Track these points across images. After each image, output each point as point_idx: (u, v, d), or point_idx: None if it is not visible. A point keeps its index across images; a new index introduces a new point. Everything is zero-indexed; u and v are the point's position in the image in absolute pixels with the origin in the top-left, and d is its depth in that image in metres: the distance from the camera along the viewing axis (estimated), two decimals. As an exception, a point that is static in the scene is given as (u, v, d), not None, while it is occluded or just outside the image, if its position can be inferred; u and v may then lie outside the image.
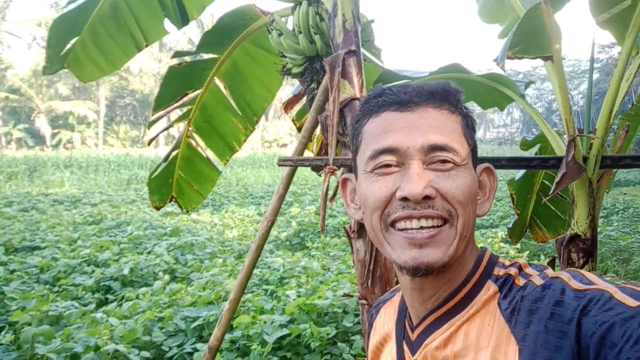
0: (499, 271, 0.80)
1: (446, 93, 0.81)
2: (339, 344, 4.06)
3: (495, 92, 2.09)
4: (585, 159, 1.50)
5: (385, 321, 0.98)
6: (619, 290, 0.64)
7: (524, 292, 0.73)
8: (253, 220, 10.93)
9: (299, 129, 2.87)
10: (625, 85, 1.45)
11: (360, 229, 1.41)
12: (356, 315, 4.44)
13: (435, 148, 0.76)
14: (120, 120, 49.97)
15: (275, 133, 43.63)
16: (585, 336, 0.62)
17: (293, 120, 2.88)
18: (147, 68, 46.50)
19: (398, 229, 0.76)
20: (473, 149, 0.82)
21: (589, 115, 1.54)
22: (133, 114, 50.74)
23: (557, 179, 1.42)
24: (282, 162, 1.62)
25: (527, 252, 7.32)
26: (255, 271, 6.22)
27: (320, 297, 4.66)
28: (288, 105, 2.85)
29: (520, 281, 0.76)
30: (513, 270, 0.78)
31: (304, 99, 2.88)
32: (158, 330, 4.32)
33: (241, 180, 19.25)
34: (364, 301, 1.41)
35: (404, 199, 0.74)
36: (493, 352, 0.72)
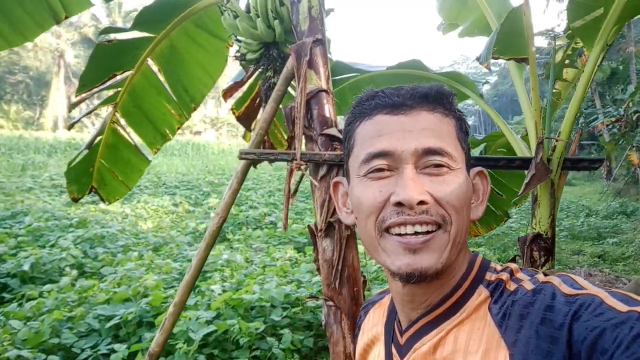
0: (490, 276, 0.80)
1: (440, 96, 0.79)
2: (268, 338, 3.99)
3: (448, 90, 2.12)
4: (548, 161, 1.58)
5: (373, 323, 0.96)
6: (609, 295, 0.65)
7: (515, 297, 0.73)
8: (168, 211, 10.44)
9: (238, 118, 2.74)
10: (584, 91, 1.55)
11: (329, 227, 1.35)
12: (284, 309, 4.39)
13: (429, 152, 0.74)
14: (10, 99, 45.10)
15: (189, 120, 41.99)
16: (577, 342, 0.62)
17: (232, 109, 2.73)
18: (44, 43, 42.40)
19: (393, 234, 0.74)
20: (466, 152, 0.82)
21: (551, 118, 1.62)
22: (26, 92, 46.05)
23: (526, 180, 1.48)
24: (244, 155, 1.51)
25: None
26: (175, 265, 5.94)
27: (247, 291, 4.55)
28: (227, 93, 2.70)
29: (512, 286, 0.76)
30: (504, 275, 0.78)
31: (245, 87, 2.75)
32: (68, 331, 3.96)
33: (153, 169, 18.27)
34: (330, 303, 1.36)
35: (399, 204, 0.73)
36: (483, 357, 0.71)
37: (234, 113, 2.75)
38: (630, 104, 12.60)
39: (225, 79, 3.11)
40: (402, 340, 0.83)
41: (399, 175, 0.74)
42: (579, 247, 9.06)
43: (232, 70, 3.03)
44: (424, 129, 0.75)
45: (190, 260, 6.19)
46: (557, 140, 1.52)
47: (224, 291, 4.64)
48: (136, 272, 5.35)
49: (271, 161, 1.53)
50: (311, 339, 4.08)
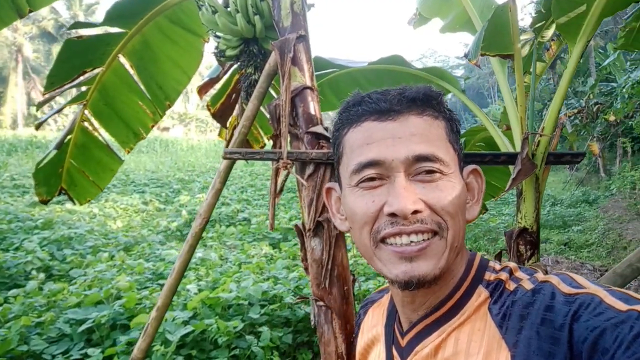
0: (489, 276, 0.80)
1: (428, 98, 0.78)
2: (247, 336, 3.96)
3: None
4: (532, 155, 1.60)
5: (373, 323, 0.96)
6: (608, 293, 0.65)
7: (515, 297, 0.74)
8: (138, 209, 10.19)
9: (213, 115, 2.68)
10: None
11: (317, 226, 1.33)
12: (262, 306, 4.36)
13: (420, 159, 0.74)
14: (-35, 95, 43.10)
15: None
16: (577, 342, 0.63)
17: (208, 106, 2.67)
18: (0, 37, 40.62)
19: (388, 244, 0.74)
20: (459, 153, 0.81)
21: (532, 112, 1.64)
22: (-17, 88, 44.11)
23: (513, 176, 1.49)
24: (229, 155, 1.47)
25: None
26: (148, 265, 5.81)
27: (224, 289, 4.50)
28: (202, 89, 2.64)
29: (511, 286, 0.76)
30: (504, 275, 0.78)
31: (220, 83, 2.69)
32: (37, 338, 3.83)
33: (121, 167, 17.84)
34: (320, 303, 1.34)
35: (392, 214, 0.72)
36: (484, 359, 0.72)
37: (209, 110, 2.69)
38: (591, 96, 13.03)
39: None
40: (403, 342, 0.83)
41: (391, 185, 0.73)
42: (545, 235, 9.33)
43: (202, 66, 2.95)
44: (414, 134, 0.74)
45: (163, 259, 6.08)
46: (541, 136, 1.55)
47: (200, 290, 4.57)
48: (107, 274, 5.21)
49: (256, 160, 1.50)
50: (290, 335, 4.07)
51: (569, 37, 1.57)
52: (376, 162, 0.74)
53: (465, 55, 1.54)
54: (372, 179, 0.74)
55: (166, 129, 40.73)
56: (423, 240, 0.72)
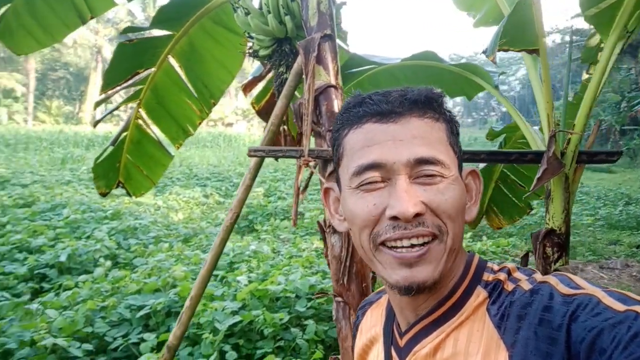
0: (488, 276, 0.79)
1: (429, 100, 0.78)
2: (292, 329, 4.04)
3: (465, 81, 2.10)
4: (562, 154, 1.53)
5: (372, 324, 0.96)
6: (606, 294, 0.65)
7: (513, 298, 0.73)
8: (199, 202, 10.63)
9: (258, 113, 2.76)
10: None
11: (337, 223, 1.36)
12: (308, 300, 4.43)
13: (421, 162, 0.73)
14: (52, 94, 46.76)
15: (220, 112, 42.54)
16: (575, 342, 0.62)
17: (252, 103, 2.76)
18: (83, 39, 43.63)
19: (388, 247, 0.74)
20: (458, 155, 0.80)
21: (565, 109, 1.56)
22: (67, 88, 47.64)
23: (538, 175, 1.43)
24: (253, 152, 1.53)
25: (469, 233, 7.63)
26: (204, 256, 6.05)
27: (272, 282, 4.61)
28: (247, 88, 2.72)
29: (509, 286, 0.76)
30: (502, 276, 0.78)
31: (264, 82, 2.76)
32: (101, 321, 4.10)
33: (185, 161, 18.63)
34: (339, 299, 1.37)
35: (394, 218, 0.72)
36: (483, 359, 0.71)
37: (254, 107, 2.78)
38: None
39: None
40: (401, 342, 0.83)
41: (392, 187, 0.73)
42: (616, 236, 8.73)
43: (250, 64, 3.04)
44: (415, 137, 0.74)
45: (218, 252, 6.31)
46: (571, 134, 1.47)
47: (250, 282, 4.71)
48: (166, 263, 5.48)
49: (279, 157, 1.54)
50: (335, 330, 4.10)
51: (601, 29, 1.47)
52: (377, 165, 0.73)
53: (484, 52, 1.49)
54: (373, 181, 0.74)
55: (230, 124, 42.06)
56: (424, 243, 0.72)
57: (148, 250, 6.47)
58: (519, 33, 1.48)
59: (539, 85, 1.66)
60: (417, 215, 0.71)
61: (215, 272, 5.48)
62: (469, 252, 0.84)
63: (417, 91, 0.78)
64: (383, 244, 0.74)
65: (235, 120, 44.93)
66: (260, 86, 2.72)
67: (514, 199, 2.51)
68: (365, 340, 0.96)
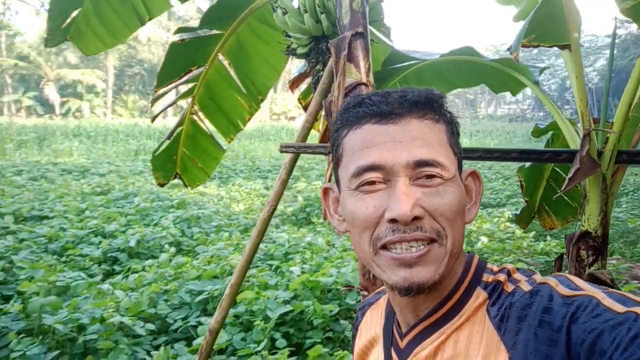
0: (487, 277, 0.79)
1: (429, 101, 0.77)
2: (341, 321, 4.10)
3: (508, 76, 2.02)
4: (600, 153, 1.45)
5: (371, 325, 0.96)
6: (606, 295, 0.64)
7: (513, 299, 0.72)
8: (259, 194, 10.94)
9: (305, 108, 2.81)
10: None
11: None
12: (358, 293, 4.46)
13: (421, 163, 0.73)
14: (128, 89, 49.82)
15: (284, 105, 43.30)
16: (575, 344, 0.62)
17: (299, 99, 2.82)
18: (156, 37, 46.01)
19: (387, 250, 0.74)
20: (458, 157, 0.80)
21: (606, 106, 1.47)
22: (142, 83, 50.53)
23: (570, 175, 1.36)
24: (285, 148, 1.58)
25: (532, 233, 7.29)
26: (261, 246, 6.24)
27: (324, 274, 4.68)
28: (294, 84, 2.79)
29: (509, 287, 0.75)
30: (502, 277, 0.77)
31: (309, 78, 2.81)
32: (163, 303, 4.38)
33: (249, 153, 19.22)
34: (365, 292, 1.39)
35: (393, 220, 0.72)
36: None
37: (300, 103, 2.84)
38: None
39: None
40: (402, 344, 0.83)
41: (392, 189, 0.73)
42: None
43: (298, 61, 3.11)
44: (415, 138, 0.74)
45: (274, 242, 6.49)
46: (608, 132, 1.38)
47: (302, 273, 4.81)
48: (225, 252, 5.72)
49: (308, 153, 1.58)
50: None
51: (639, 22, 1.36)
52: (377, 166, 0.73)
53: (509, 49, 1.43)
54: (372, 182, 0.74)
55: (292, 118, 42.66)
56: (423, 246, 0.72)
57: (209, 238, 6.78)
58: (549, 27, 1.41)
59: (575, 83, 1.57)
60: (416, 218, 0.71)
61: (270, 262, 5.65)
62: (468, 252, 0.83)
63: (417, 92, 0.77)
64: (382, 247, 0.74)
65: (298, 114, 45.53)
66: (306, 82, 2.78)
67: (566, 198, 2.38)
68: (364, 341, 0.96)
